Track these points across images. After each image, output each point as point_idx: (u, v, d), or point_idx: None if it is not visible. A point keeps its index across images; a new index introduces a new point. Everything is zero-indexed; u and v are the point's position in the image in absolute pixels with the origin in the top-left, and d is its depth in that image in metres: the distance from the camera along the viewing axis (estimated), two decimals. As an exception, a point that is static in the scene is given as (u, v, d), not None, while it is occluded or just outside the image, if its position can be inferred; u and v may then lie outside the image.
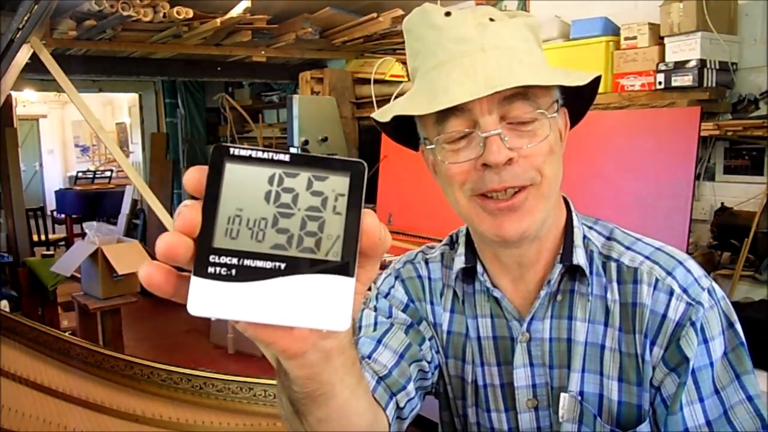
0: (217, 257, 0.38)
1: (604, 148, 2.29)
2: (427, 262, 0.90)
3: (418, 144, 0.82)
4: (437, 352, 0.87)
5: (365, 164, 0.40)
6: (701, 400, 0.72)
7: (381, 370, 0.77)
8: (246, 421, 2.05)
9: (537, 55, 0.75)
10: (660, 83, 2.47)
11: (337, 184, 0.39)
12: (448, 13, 0.74)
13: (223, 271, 0.38)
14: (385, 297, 0.88)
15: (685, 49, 2.42)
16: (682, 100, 2.43)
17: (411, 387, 0.79)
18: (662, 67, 2.47)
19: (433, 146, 0.74)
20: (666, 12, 2.48)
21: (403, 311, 0.86)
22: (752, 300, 2.26)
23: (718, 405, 0.72)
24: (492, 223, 0.73)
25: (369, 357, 0.79)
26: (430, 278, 0.88)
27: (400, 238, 2.71)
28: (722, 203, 2.54)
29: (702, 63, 2.37)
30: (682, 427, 0.72)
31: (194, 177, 0.39)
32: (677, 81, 2.42)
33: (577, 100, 0.79)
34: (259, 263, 0.38)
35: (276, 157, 0.38)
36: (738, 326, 0.75)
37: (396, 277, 0.90)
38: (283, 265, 0.38)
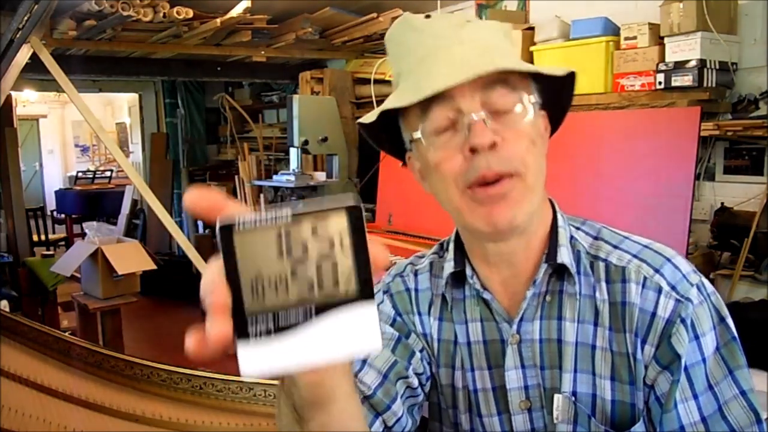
0: (253, 321, 0.41)
1: (604, 148, 2.29)
2: (416, 273, 0.90)
3: (405, 155, 0.83)
4: (429, 362, 0.87)
5: (359, 197, 0.44)
6: (695, 396, 0.72)
7: (365, 390, 0.78)
8: (246, 421, 2.05)
9: (512, 53, 0.79)
10: (660, 83, 2.47)
11: (338, 223, 0.42)
12: (427, 16, 0.77)
13: (263, 330, 0.42)
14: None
15: (685, 49, 2.42)
16: (682, 100, 2.43)
17: (397, 406, 0.79)
18: (662, 67, 2.47)
19: (418, 135, 0.75)
20: (666, 12, 2.48)
21: (391, 325, 0.87)
22: (752, 300, 2.26)
23: (713, 401, 0.72)
24: (483, 212, 0.73)
25: (355, 376, 0.79)
26: (417, 290, 0.89)
27: (400, 238, 2.71)
28: (722, 203, 2.54)
29: (702, 63, 2.37)
30: (678, 424, 0.72)
31: (194, 200, 0.43)
32: (677, 81, 2.42)
33: (556, 104, 0.81)
34: (291, 314, 0.42)
35: (278, 215, 0.42)
36: (729, 321, 0.75)
37: (385, 292, 0.90)
38: (313, 311, 0.42)
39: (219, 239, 0.41)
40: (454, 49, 0.73)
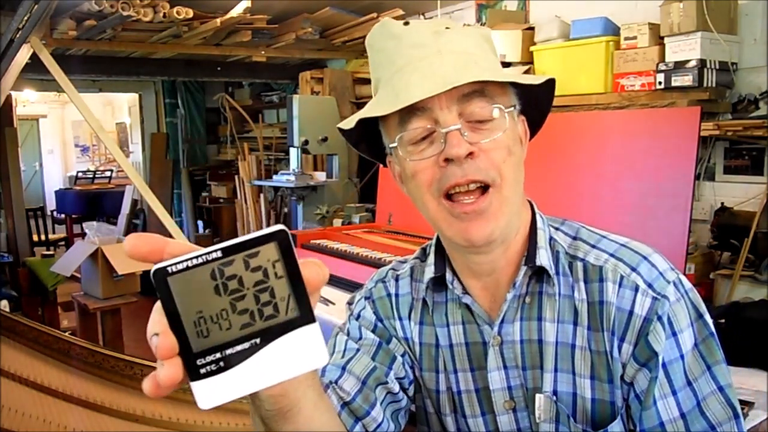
0: (202, 359, 0.43)
1: (604, 148, 2.29)
2: (397, 279, 0.91)
3: (385, 158, 0.84)
4: (411, 366, 0.88)
5: (285, 228, 0.45)
6: (674, 393, 0.72)
7: (345, 396, 0.79)
8: (246, 421, 2.05)
9: (491, 60, 0.79)
10: (660, 83, 2.47)
11: (268, 253, 0.44)
12: (406, 23, 0.78)
13: (213, 367, 0.43)
14: (357, 319, 0.90)
15: (685, 49, 2.42)
16: (682, 100, 2.43)
17: (377, 412, 0.80)
18: (662, 67, 2.47)
19: (395, 144, 0.76)
20: (666, 12, 2.48)
21: (372, 331, 0.88)
22: (752, 300, 2.26)
23: (691, 397, 0.72)
24: (459, 227, 0.74)
25: (336, 383, 0.81)
26: (398, 295, 0.90)
27: (400, 238, 2.71)
28: (722, 203, 2.54)
29: (702, 63, 2.37)
30: (657, 420, 0.72)
31: (133, 246, 0.44)
32: (677, 81, 2.42)
33: (535, 108, 0.82)
34: (238, 347, 0.44)
35: (208, 256, 0.43)
36: (707, 317, 0.75)
37: (367, 298, 0.91)
38: (257, 340, 0.44)
39: (155, 285, 0.43)
40: (432, 59, 0.73)
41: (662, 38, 2.53)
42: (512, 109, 0.76)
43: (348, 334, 0.88)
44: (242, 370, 0.44)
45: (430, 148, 0.74)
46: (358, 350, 0.85)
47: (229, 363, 0.43)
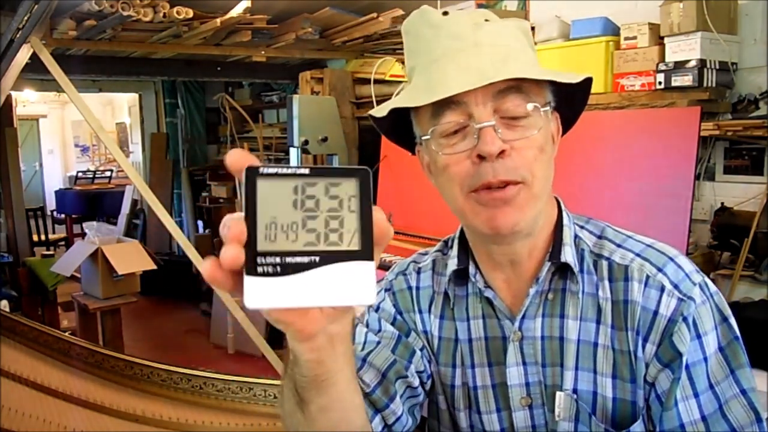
0: (263, 258, 0.46)
1: (604, 148, 2.29)
2: (419, 271, 0.91)
3: (414, 146, 0.83)
4: (429, 361, 0.87)
5: (368, 169, 0.48)
6: (696, 395, 0.72)
7: (365, 387, 0.79)
8: (246, 421, 2.05)
9: (530, 55, 0.78)
10: (660, 83, 2.47)
11: (349, 187, 0.47)
12: (445, 13, 0.77)
13: (270, 269, 0.46)
14: (376, 311, 0.89)
15: (685, 49, 2.42)
16: (682, 100, 2.43)
17: (396, 405, 0.80)
18: (662, 67, 2.47)
19: (428, 137, 0.75)
20: (666, 12, 2.48)
21: (392, 324, 0.87)
22: (752, 300, 2.26)
23: (713, 400, 0.72)
24: (486, 215, 0.74)
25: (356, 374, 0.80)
26: (419, 287, 0.89)
27: (400, 238, 2.71)
28: (722, 203, 2.54)
29: (702, 63, 2.37)
30: (678, 422, 0.72)
31: (235, 158, 0.47)
32: (677, 81, 2.42)
33: (569, 107, 0.81)
34: (297, 259, 0.47)
35: (297, 171, 0.47)
36: (732, 320, 0.75)
37: (387, 290, 0.91)
38: (316, 258, 0.47)
39: (245, 181, 0.46)
40: (470, 52, 0.73)
41: (662, 38, 2.52)
42: (547, 107, 0.75)
43: (367, 326, 0.88)
44: (294, 281, 0.46)
45: (462, 143, 0.73)
46: (378, 343, 0.85)
47: (285, 270, 0.46)
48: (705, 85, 2.39)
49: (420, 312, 0.88)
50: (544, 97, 0.75)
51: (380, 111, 0.78)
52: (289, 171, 0.47)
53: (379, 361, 0.82)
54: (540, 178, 0.74)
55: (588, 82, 0.78)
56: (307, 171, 0.47)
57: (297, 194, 0.47)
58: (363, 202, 0.47)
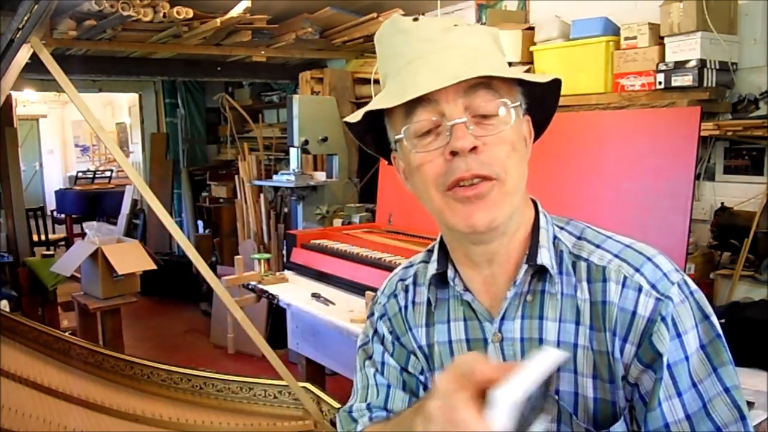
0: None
1: (604, 148, 2.29)
2: (406, 290, 0.92)
3: (390, 154, 0.84)
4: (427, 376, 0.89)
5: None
6: (679, 394, 0.72)
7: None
8: (246, 421, 2.05)
9: (499, 58, 0.80)
10: (660, 83, 2.47)
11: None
12: (416, 19, 0.78)
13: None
14: (380, 342, 0.92)
15: (685, 49, 2.42)
16: (682, 100, 2.43)
17: None
18: (662, 67, 2.47)
19: (401, 136, 0.76)
20: (666, 12, 2.48)
21: (392, 355, 0.91)
22: (752, 300, 2.26)
23: (697, 399, 0.72)
24: (463, 213, 0.75)
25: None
26: (406, 306, 0.91)
27: (400, 238, 2.71)
28: (722, 203, 2.54)
29: (702, 63, 2.37)
30: (662, 422, 0.72)
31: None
32: (677, 81, 2.42)
33: (540, 110, 0.82)
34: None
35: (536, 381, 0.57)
36: (714, 319, 0.75)
37: (382, 316, 0.93)
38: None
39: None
40: (441, 53, 0.74)
41: (662, 38, 2.53)
42: (518, 104, 0.77)
43: (372, 360, 0.92)
44: None
45: (435, 141, 0.74)
46: (389, 386, 0.89)
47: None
48: (705, 85, 2.39)
49: (410, 329, 0.90)
50: (515, 96, 0.77)
51: (355, 117, 0.80)
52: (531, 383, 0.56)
53: (398, 405, 0.87)
54: (513, 175, 0.75)
55: (557, 83, 0.79)
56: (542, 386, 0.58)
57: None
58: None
